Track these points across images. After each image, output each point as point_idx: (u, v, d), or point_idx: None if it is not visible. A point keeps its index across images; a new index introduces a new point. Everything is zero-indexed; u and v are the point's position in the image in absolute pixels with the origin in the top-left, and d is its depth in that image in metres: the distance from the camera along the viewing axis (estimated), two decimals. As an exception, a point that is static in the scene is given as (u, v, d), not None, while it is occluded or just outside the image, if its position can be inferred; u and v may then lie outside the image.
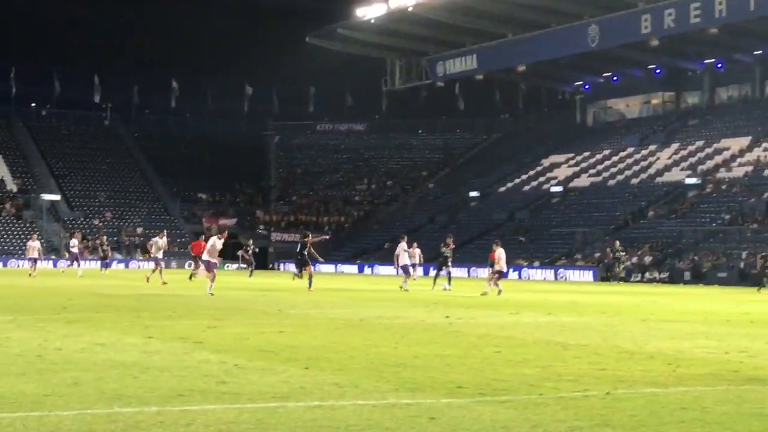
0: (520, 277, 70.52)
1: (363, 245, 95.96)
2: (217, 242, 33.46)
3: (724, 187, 78.90)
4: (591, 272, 69.50)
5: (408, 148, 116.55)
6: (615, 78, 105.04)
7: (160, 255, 45.38)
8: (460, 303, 31.50)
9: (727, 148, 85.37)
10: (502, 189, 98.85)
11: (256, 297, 33.63)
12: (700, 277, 64.36)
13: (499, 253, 36.78)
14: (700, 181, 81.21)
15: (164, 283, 41.11)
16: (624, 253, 65.85)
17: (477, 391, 10.93)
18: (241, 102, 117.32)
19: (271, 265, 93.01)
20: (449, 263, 41.57)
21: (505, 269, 38.84)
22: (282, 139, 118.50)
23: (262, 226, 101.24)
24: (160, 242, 45.22)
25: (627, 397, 10.59)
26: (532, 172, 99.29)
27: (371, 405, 9.82)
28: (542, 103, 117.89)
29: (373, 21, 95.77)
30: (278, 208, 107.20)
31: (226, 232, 42.75)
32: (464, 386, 11.25)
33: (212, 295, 31.86)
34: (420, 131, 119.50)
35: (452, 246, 42.09)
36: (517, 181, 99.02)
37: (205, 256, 34.42)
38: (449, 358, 14.42)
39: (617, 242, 65.32)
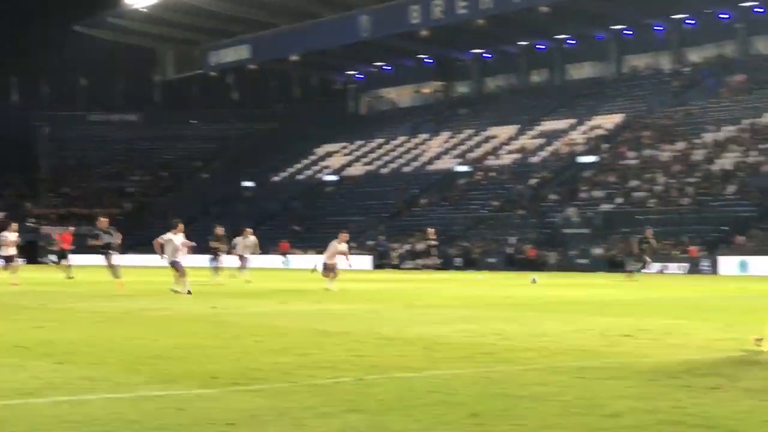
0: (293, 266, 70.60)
1: (137, 237, 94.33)
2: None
3: (492, 174, 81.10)
4: (366, 260, 70.23)
5: (182, 139, 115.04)
6: (387, 68, 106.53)
7: None
8: (230, 293, 31.39)
9: (495, 137, 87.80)
10: (277, 179, 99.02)
11: (23, 292, 32.64)
12: (470, 263, 66.00)
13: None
14: (470, 169, 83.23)
15: None
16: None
17: (231, 380, 10.87)
18: (7, 93, 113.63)
19: (40, 259, 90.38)
20: (219, 255, 41.39)
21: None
22: (52, 130, 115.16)
23: (33, 219, 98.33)
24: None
25: (378, 383, 10.71)
26: (306, 162, 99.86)
27: (120, 398, 9.65)
28: (316, 93, 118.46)
29: (143, 9, 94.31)
30: (50, 201, 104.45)
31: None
32: (219, 376, 11.16)
33: None
34: (193, 121, 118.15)
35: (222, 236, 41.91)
36: (291, 170, 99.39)
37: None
38: (209, 348, 14.31)
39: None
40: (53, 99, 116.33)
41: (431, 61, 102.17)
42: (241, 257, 42.69)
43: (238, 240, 43.35)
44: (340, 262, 34.82)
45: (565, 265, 61.26)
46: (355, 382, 10.77)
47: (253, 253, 43.54)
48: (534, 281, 39.86)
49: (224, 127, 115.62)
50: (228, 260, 43.06)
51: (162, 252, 30.42)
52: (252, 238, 43.86)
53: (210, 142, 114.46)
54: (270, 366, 12.20)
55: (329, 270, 34.29)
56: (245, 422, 8.34)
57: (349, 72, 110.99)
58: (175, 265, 30.26)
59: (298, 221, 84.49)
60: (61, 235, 44.30)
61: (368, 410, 8.94)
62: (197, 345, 14.82)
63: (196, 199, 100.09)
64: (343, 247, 34.62)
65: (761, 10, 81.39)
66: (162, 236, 30.86)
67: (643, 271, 44.81)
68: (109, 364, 12.54)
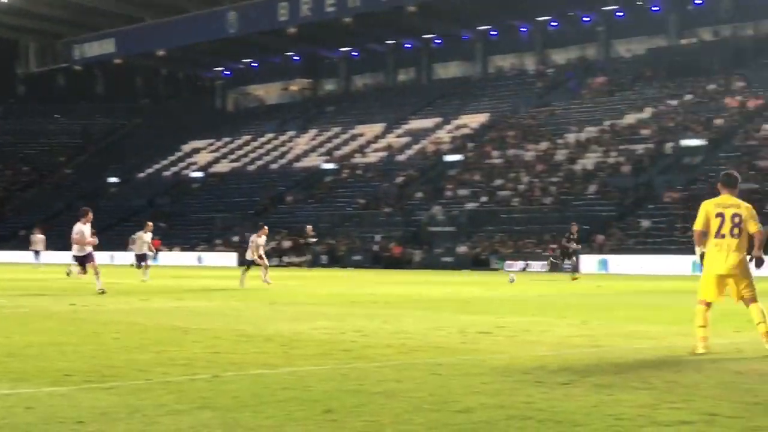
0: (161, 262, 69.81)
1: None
2: None
3: (359, 172, 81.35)
4: (232, 256, 69.81)
5: (45, 133, 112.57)
6: (254, 64, 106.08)
7: None
8: (92, 290, 30.90)
9: (362, 135, 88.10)
10: (142, 175, 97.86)
11: None
12: (336, 261, 66.10)
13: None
14: (336, 167, 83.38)
15: None
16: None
17: (84, 378, 10.68)
18: None
19: None
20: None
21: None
22: None
23: None
24: None
25: (234, 380, 10.64)
26: (172, 158, 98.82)
27: None
28: (183, 89, 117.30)
29: (4, 0, 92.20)
30: None
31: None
32: (72, 374, 10.97)
33: None
34: (57, 116, 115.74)
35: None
36: (157, 166, 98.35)
37: None
38: (64, 346, 14.04)
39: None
40: None
41: (299, 58, 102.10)
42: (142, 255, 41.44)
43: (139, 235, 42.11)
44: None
45: (430, 263, 61.74)
46: (211, 379, 10.69)
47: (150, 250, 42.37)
48: (512, 281, 39.01)
49: (89, 122, 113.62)
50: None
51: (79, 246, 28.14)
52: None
53: (74, 136, 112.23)
54: (125, 363, 12.04)
55: (258, 264, 34.90)
56: (95, 420, 8.20)
57: (216, 68, 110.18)
58: (86, 259, 28.35)
59: (163, 218, 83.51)
60: None
61: (221, 407, 8.88)
62: (52, 342, 14.53)
63: (60, 195, 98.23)
64: (262, 241, 34.64)
65: (622, 13, 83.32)
66: (75, 228, 28.18)
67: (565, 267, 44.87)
68: None
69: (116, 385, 10.26)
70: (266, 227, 36.30)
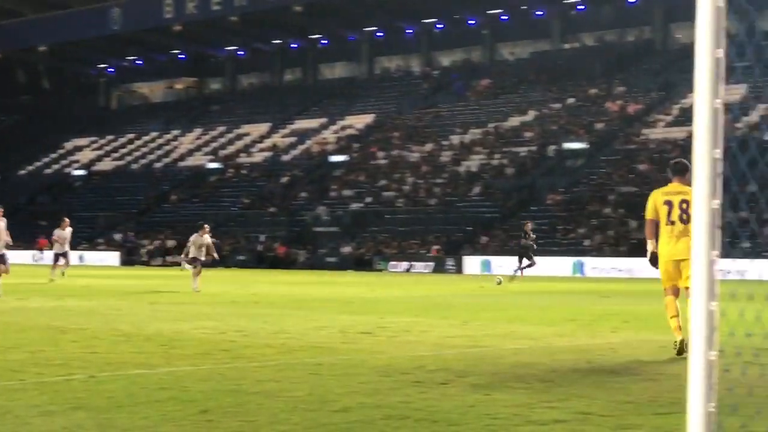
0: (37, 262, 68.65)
1: None
2: None
3: (244, 171, 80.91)
4: (114, 255, 68.96)
5: None
6: (139, 62, 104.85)
7: None
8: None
9: (248, 134, 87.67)
10: (23, 172, 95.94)
11: None
12: (220, 260, 65.56)
13: None
14: (221, 166, 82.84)
15: None
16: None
17: (-46, 380, 10.46)
18: None
19: None
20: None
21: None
22: None
23: None
24: None
25: (111, 380, 10.48)
26: (54, 155, 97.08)
27: None
28: (66, 85, 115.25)
29: None
30: None
31: None
32: (-58, 376, 10.74)
33: None
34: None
35: None
36: (38, 164, 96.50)
37: None
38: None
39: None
40: None
41: (184, 56, 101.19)
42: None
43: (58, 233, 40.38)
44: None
45: (315, 263, 61.67)
46: (87, 379, 10.51)
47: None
48: (499, 283, 38.29)
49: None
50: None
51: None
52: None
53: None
54: (-2, 364, 11.79)
55: (196, 263, 32.69)
56: (-37, 422, 8.02)
57: (100, 65, 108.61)
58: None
59: (44, 216, 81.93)
60: None
61: (96, 408, 8.74)
62: None
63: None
64: (207, 239, 32.94)
65: (506, 17, 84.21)
66: None
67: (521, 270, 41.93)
68: None
69: (-14, 386, 10.05)
70: (207, 226, 34.35)
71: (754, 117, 62.21)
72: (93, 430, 7.72)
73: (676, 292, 12.98)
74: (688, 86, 68.79)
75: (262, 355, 13.00)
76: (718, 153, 6.96)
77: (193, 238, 33.13)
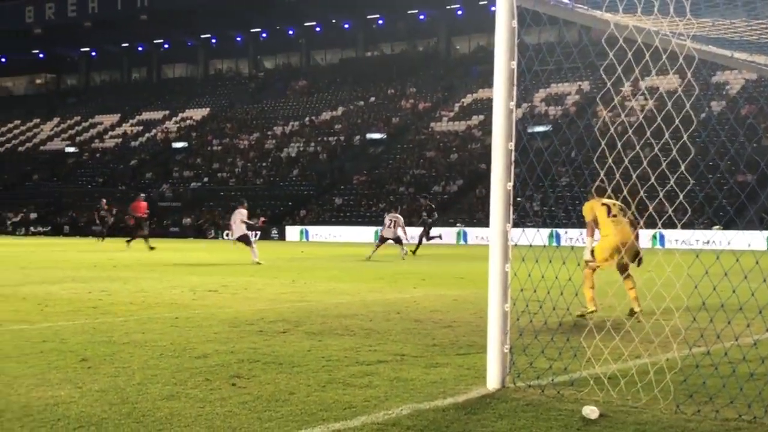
0: None
1: None
2: None
3: (98, 155, 78.75)
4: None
5: None
6: (3, 59, 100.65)
7: None
8: None
9: (101, 123, 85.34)
10: None
11: None
12: (77, 231, 63.77)
13: None
14: (77, 150, 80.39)
15: None
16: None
17: None
18: None
19: None
20: None
21: None
22: None
23: None
24: None
25: (-4, 334, 10.17)
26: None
27: None
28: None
29: None
30: None
31: None
32: None
33: None
34: None
35: None
36: None
37: None
38: None
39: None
40: None
41: (43, 55, 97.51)
42: None
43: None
44: None
45: (160, 233, 60.55)
46: (-25, 334, 10.15)
47: None
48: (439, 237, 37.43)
49: None
50: None
51: None
52: None
53: None
54: None
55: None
56: None
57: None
58: None
59: None
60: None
61: (-13, 359, 8.46)
62: None
63: None
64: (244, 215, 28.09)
65: (319, 28, 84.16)
66: None
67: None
68: None
69: None
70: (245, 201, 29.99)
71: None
72: (-14, 378, 7.49)
73: (622, 269, 12.55)
74: (466, 88, 70.53)
75: (127, 311, 12.76)
76: (512, 145, 7.22)
77: (237, 214, 28.23)
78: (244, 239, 27.13)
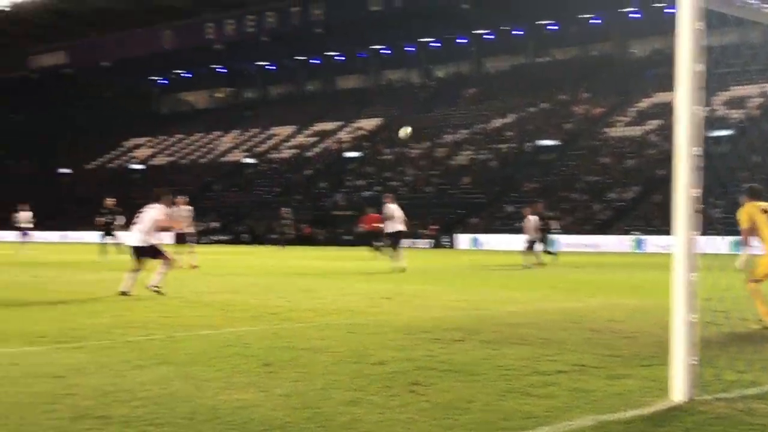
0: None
1: None
2: None
3: (275, 166, 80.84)
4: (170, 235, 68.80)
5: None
6: (187, 74, 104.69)
7: None
8: (51, 264, 30.18)
9: (277, 135, 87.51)
10: (89, 166, 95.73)
11: None
12: (256, 239, 65.56)
13: None
14: (256, 161, 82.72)
15: None
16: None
17: (55, 339, 10.48)
18: None
19: None
20: None
21: None
22: None
23: None
24: None
25: (185, 339, 10.53)
26: (115, 152, 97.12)
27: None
28: (126, 94, 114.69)
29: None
30: None
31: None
32: (45, 336, 10.76)
33: None
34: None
35: None
36: (102, 159, 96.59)
37: None
38: (33, 312, 13.78)
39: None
40: None
41: (224, 70, 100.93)
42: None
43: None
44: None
45: (334, 241, 61.63)
46: (165, 338, 10.57)
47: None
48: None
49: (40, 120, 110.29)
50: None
51: None
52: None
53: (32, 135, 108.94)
54: (90, 326, 11.80)
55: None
56: (72, 374, 8.06)
57: (154, 77, 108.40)
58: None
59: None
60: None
61: (177, 362, 8.79)
62: (23, 310, 14.21)
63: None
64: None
65: (490, 36, 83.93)
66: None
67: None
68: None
69: (83, 345, 10.08)
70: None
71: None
72: (177, 380, 7.76)
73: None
74: (642, 92, 68.83)
75: (305, 318, 13.01)
76: (697, 150, 6.97)
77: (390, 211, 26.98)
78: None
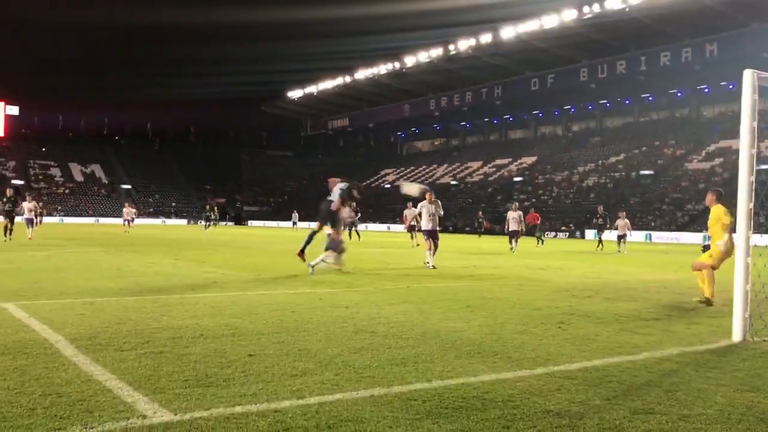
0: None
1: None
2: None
3: (469, 186, 79.86)
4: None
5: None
6: (416, 130, 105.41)
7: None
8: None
9: (470, 167, 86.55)
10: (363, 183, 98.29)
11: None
12: (456, 230, 65.19)
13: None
14: (457, 183, 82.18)
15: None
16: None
17: (345, 286, 10.87)
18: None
19: None
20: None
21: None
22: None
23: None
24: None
25: (418, 289, 10.69)
26: (374, 178, 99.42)
27: (291, 293, 9.71)
28: (379, 142, 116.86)
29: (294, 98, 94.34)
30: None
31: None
32: (336, 284, 11.18)
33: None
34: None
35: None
36: (369, 181, 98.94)
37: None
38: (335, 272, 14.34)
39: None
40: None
41: (438, 127, 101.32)
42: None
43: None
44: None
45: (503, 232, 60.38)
46: (405, 288, 10.78)
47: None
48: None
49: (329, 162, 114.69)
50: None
51: None
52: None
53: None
54: (361, 279, 12.13)
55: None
56: (353, 306, 8.35)
57: (398, 132, 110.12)
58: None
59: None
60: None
61: (415, 301, 8.99)
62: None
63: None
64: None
65: (609, 104, 79.76)
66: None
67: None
68: (282, 275, 12.54)
69: (359, 290, 10.44)
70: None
71: None
72: (414, 313, 7.95)
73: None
74: (710, 140, 63.43)
75: (489, 277, 12.93)
76: (753, 178, 6.46)
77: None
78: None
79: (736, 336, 6.45)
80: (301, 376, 4.77)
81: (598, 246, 28.74)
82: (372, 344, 6.00)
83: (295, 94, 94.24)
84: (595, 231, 30.73)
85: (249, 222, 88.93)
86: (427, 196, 15.10)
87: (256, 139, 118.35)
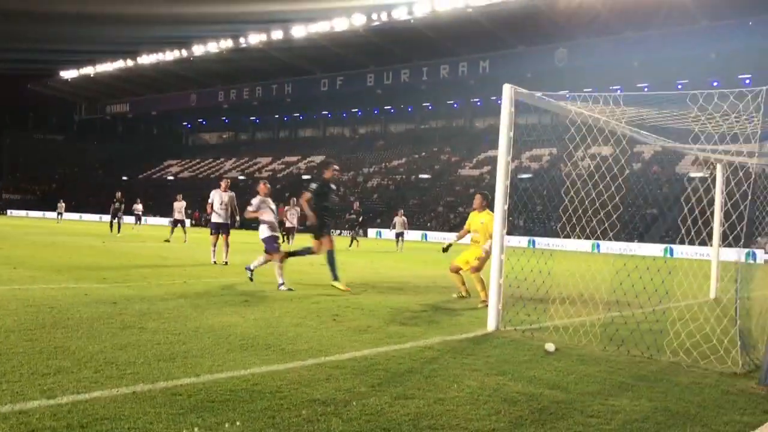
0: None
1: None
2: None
3: (253, 182, 78.88)
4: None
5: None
6: (203, 121, 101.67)
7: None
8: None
9: (259, 162, 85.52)
10: (140, 176, 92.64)
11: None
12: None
13: None
14: (245, 178, 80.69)
15: None
16: None
17: (114, 280, 10.15)
18: None
19: None
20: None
21: None
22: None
23: None
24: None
25: (195, 284, 10.18)
26: (155, 169, 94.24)
27: (51, 287, 8.87)
28: (165, 132, 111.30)
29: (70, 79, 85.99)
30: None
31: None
32: (107, 278, 10.42)
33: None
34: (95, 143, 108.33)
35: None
36: (146, 173, 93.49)
37: None
38: (102, 262, 13.33)
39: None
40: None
41: (227, 120, 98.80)
42: None
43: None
44: None
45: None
46: (182, 283, 10.22)
47: None
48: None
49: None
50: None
51: None
52: None
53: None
54: (135, 273, 11.44)
55: None
56: (122, 302, 7.86)
57: (183, 122, 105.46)
58: None
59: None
60: None
61: (190, 297, 8.57)
62: (95, 261, 13.74)
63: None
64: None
65: (393, 111, 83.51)
66: None
67: None
68: (43, 269, 11.43)
69: (131, 285, 9.81)
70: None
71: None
72: (189, 309, 7.60)
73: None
74: (480, 150, 69.62)
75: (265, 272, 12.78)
76: (507, 182, 7.18)
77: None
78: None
79: (491, 325, 7.10)
80: (54, 375, 4.44)
81: (351, 244, 27.70)
82: (139, 340, 5.67)
83: (69, 74, 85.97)
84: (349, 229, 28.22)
85: (8, 211, 79.42)
86: (222, 184, 14.18)
87: (20, 120, 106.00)
